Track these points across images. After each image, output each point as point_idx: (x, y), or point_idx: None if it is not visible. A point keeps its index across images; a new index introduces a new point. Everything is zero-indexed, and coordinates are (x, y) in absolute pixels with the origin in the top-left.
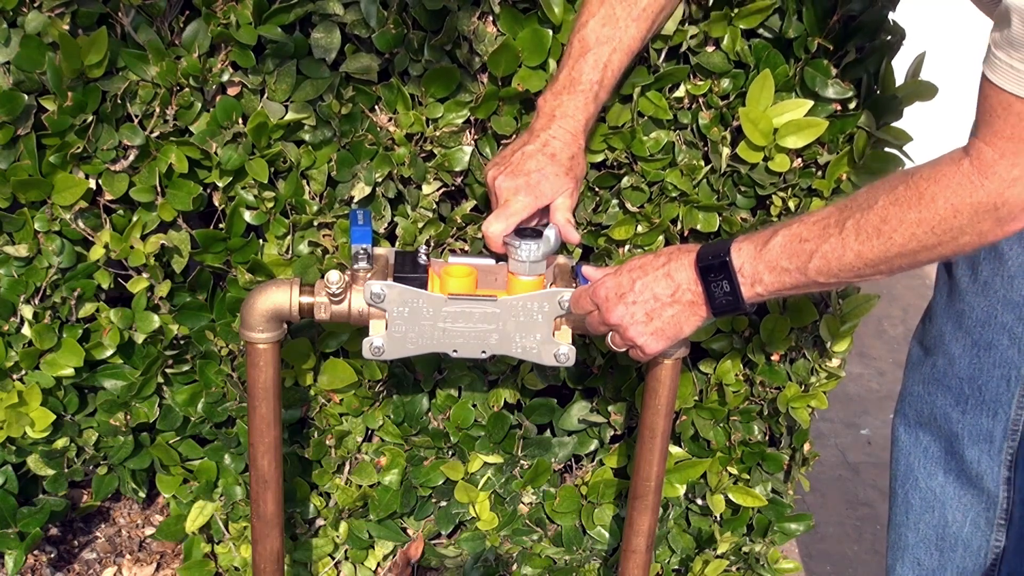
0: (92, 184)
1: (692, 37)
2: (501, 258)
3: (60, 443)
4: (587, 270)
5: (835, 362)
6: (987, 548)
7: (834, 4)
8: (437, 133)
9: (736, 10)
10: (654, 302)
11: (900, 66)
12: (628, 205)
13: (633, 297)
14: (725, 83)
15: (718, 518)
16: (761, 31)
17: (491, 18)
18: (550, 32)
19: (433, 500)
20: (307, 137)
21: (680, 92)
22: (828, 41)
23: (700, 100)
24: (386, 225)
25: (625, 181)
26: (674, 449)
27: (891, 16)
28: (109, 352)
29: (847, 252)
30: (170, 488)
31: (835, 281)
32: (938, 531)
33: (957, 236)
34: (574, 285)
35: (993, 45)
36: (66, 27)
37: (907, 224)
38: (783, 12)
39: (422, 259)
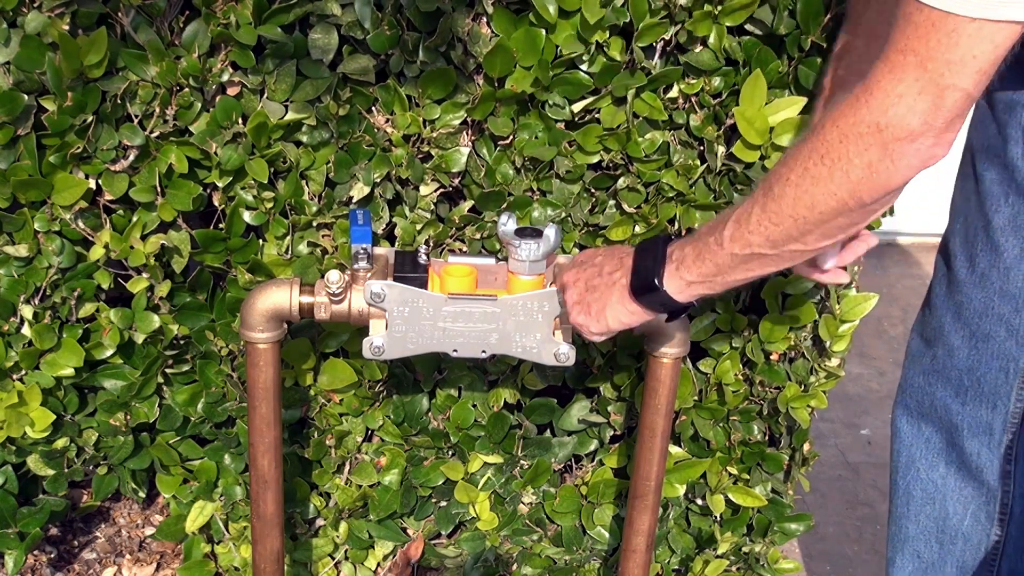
0: (92, 184)
1: (670, 35)
2: (501, 258)
3: (60, 443)
4: None
5: (834, 362)
6: (987, 542)
7: (828, 1)
8: (434, 134)
9: (719, 7)
10: (598, 276)
11: None
12: (624, 206)
13: (588, 265)
14: (716, 81)
15: (718, 518)
16: (750, 27)
17: (485, 19)
18: (543, 32)
19: (433, 500)
20: (305, 138)
21: (674, 92)
22: (822, 39)
23: (693, 100)
24: (384, 226)
25: (621, 182)
26: (674, 449)
27: None
28: (109, 352)
29: (754, 208)
30: (170, 488)
31: (748, 252)
32: (938, 523)
33: (847, 168)
34: None
35: None
36: (66, 27)
37: (800, 158)
38: (774, 7)
39: (422, 259)
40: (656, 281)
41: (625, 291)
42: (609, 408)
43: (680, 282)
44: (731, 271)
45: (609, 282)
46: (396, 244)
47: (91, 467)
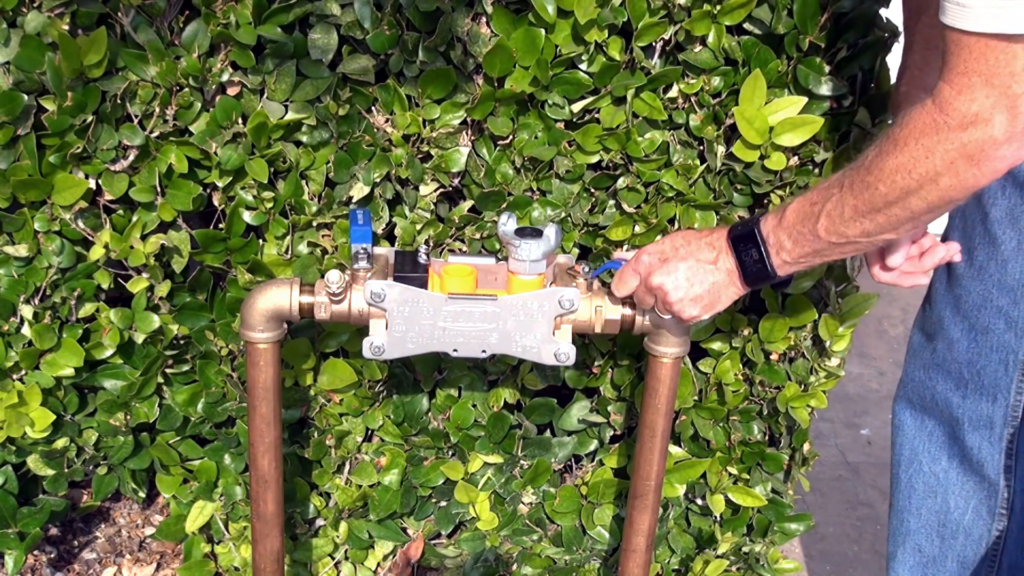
0: (92, 184)
1: (669, 34)
2: (501, 257)
3: (60, 443)
4: (619, 254)
5: (834, 361)
6: (988, 537)
7: (825, 1)
8: (434, 134)
9: (718, 6)
10: (697, 267)
11: (896, 63)
12: (624, 206)
13: (676, 262)
14: (715, 81)
15: (718, 518)
16: (749, 27)
17: (484, 19)
18: (543, 32)
19: (433, 500)
20: (305, 138)
21: (674, 92)
22: (820, 38)
23: (692, 99)
24: (384, 226)
25: (621, 182)
26: (674, 449)
27: (884, 13)
28: (109, 352)
29: (845, 207)
30: (170, 488)
31: (844, 241)
32: (940, 517)
33: (935, 178)
34: (574, 285)
35: None
36: (66, 27)
37: (887, 172)
38: (772, 6)
39: (422, 259)
40: (770, 269)
41: (735, 277)
42: (609, 408)
43: (780, 262)
44: (828, 254)
45: (714, 270)
46: (396, 244)
47: (91, 467)
